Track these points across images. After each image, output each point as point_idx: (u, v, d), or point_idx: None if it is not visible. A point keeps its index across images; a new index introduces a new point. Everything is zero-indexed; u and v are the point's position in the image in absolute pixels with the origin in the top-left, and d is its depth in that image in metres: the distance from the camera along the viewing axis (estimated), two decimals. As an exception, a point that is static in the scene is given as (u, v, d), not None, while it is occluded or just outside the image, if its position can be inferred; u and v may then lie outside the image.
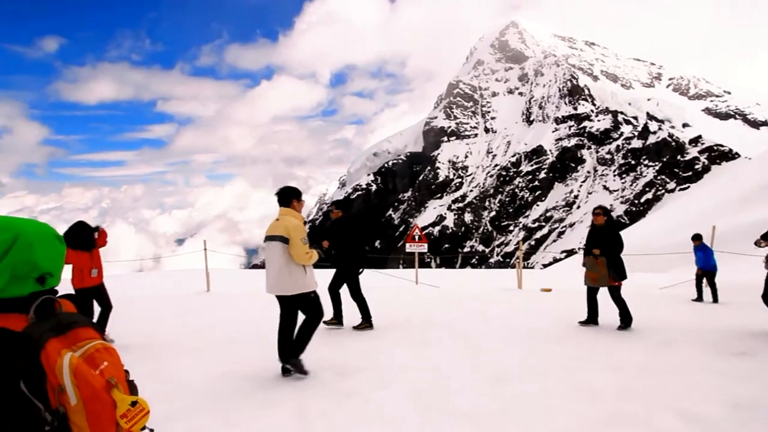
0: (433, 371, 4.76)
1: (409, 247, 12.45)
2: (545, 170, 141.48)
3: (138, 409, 1.32)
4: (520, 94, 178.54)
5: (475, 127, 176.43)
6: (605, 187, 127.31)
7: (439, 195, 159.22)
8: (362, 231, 7.00)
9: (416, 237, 12.51)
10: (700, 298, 10.16)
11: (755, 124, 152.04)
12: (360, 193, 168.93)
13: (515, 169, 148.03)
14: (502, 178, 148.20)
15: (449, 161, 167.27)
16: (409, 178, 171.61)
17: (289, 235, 4.41)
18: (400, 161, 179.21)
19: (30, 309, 1.34)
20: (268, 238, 4.56)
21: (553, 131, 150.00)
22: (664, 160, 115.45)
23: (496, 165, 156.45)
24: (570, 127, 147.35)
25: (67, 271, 5.99)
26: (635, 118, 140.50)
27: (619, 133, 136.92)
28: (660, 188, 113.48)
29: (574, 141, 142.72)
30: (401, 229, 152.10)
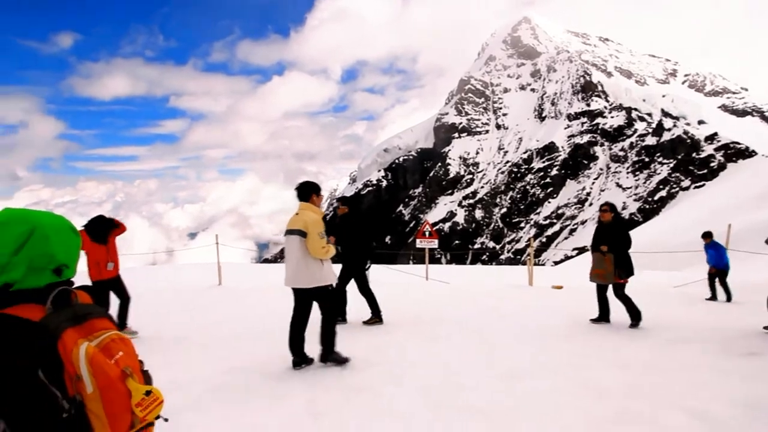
0: (444, 367, 4.78)
1: (420, 243, 12.45)
2: (557, 167, 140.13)
3: (152, 398, 1.36)
4: (533, 90, 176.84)
5: (486, 124, 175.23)
6: (618, 185, 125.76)
7: (449, 191, 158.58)
8: (368, 226, 7.02)
9: (427, 233, 12.50)
10: (713, 297, 10.04)
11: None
12: (370, 188, 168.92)
13: (527, 166, 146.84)
14: (513, 175, 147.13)
15: (460, 157, 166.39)
16: (419, 174, 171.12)
17: (307, 230, 4.47)
18: (411, 157, 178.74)
19: (47, 300, 1.36)
20: (288, 232, 4.63)
21: (566, 128, 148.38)
22: (679, 157, 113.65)
23: (507, 161, 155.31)
24: (583, 123, 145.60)
25: (84, 264, 6.13)
26: (649, 114, 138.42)
27: (632, 130, 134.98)
28: (674, 186, 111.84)
29: (586, 138, 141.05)
30: (411, 225, 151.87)
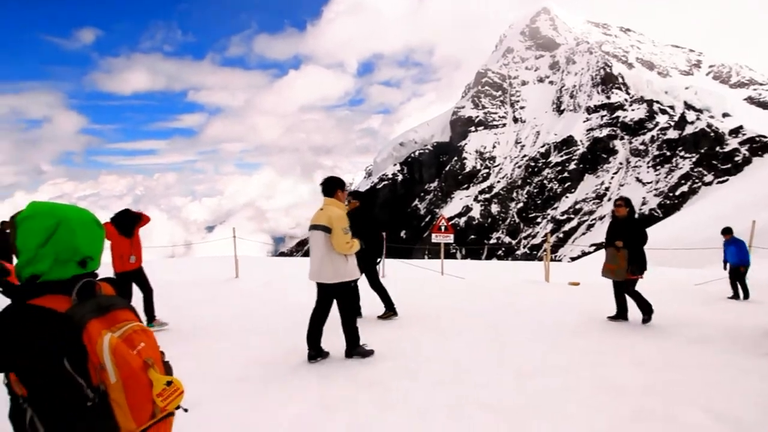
0: (458, 363, 4.78)
1: (435, 238, 12.43)
2: (575, 161, 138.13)
3: (173, 388, 1.40)
4: (551, 82, 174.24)
5: (503, 117, 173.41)
6: (638, 179, 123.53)
7: (465, 185, 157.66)
8: (379, 221, 7.04)
9: (442, 227, 12.47)
10: (736, 295, 9.83)
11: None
12: (386, 183, 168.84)
13: (544, 160, 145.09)
14: (530, 169, 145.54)
15: (476, 151, 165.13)
16: (435, 168, 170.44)
17: (331, 225, 4.51)
18: (427, 151, 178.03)
19: (72, 291, 1.41)
20: (312, 227, 4.67)
21: (585, 121, 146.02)
22: (702, 151, 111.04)
23: (524, 155, 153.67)
24: (602, 116, 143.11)
25: (108, 256, 6.29)
26: (672, 107, 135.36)
27: (654, 123, 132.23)
28: (696, 181, 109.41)
29: (606, 131, 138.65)
30: (427, 219, 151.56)
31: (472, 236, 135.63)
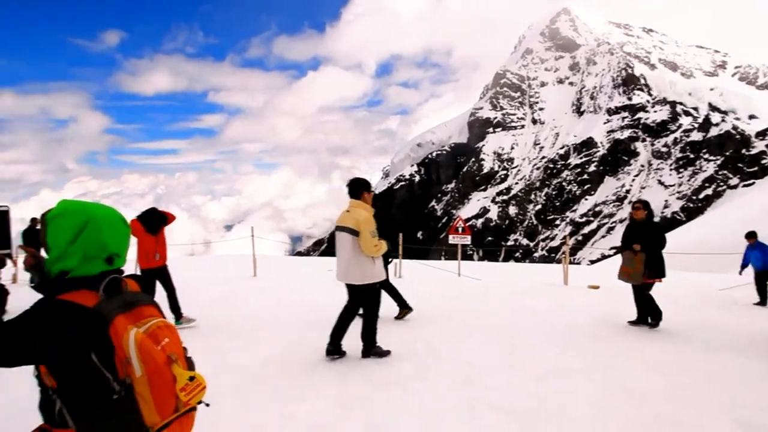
0: (473, 364, 4.76)
1: (452, 239, 12.39)
2: (595, 163, 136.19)
3: (195, 383, 1.44)
4: (571, 84, 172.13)
5: (522, 118, 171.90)
6: (660, 182, 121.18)
7: (483, 187, 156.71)
8: (393, 221, 7.06)
9: (459, 229, 12.43)
10: (763, 301, 9.57)
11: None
12: (403, 183, 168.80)
13: (563, 162, 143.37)
14: (549, 171, 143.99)
15: (494, 153, 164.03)
16: (452, 170, 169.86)
17: (359, 228, 4.54)
18: (444, 152, 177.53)
19: (99, 287, 1.46)
20: (339, 228, 4.71)
21: (605, 122, 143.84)
22: (727, 154, 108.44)
23: (543, 157, 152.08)
24: (623, 118, 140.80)
25: (133, 253, 6.44)
26: (696, 109, 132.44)
27: (677, 124, 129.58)
28: (721, 184, 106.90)
29: (627, 133, 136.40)
30: (444, 220, 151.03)
31: (489, 238, 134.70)
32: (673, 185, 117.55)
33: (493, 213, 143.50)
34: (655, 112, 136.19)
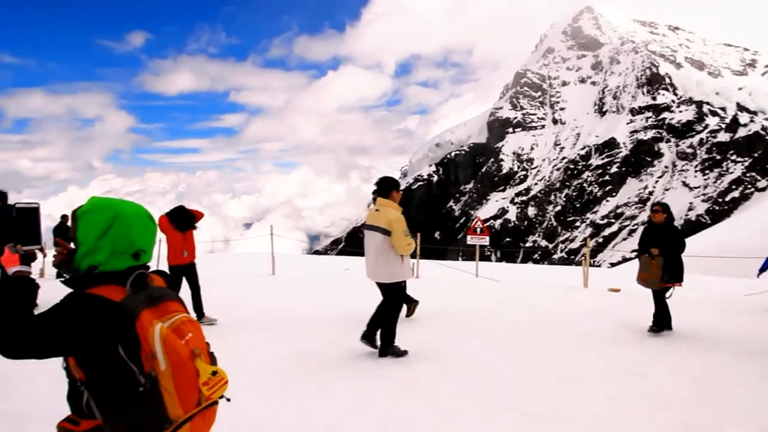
0: (490, 366, 4.74)
1: (471, 240, 12.33)
2: (617, 164, 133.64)
3: (218, 378, 1.47)
4: (593, 83, 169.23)
5: (542, 118, 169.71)
6: (685, 184, 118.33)
7: (501, 187, 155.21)
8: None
9: (478, 229, 12.36)
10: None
11: None
12: (421, 183, 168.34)
13: (584, 163, 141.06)
14: (569, 172, 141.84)
15: (514, 153, 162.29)
16: (471, 170, 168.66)
17: (391, 228, 4.60)
18: (463, 152, 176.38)
19: (126, 282, 1.50)
20: (369, 227, 4.78)
21: (628, 123, 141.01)
22: (756, 155, 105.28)
23: (563, 158, 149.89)
24: (647, 118, 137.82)
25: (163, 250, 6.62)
26: (723, 109, 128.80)
27: (703, 125, 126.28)
28: (749, 186, 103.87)
29: (651, 133, 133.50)
30: (462, 220, 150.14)
31: (508, 239, 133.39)
32: (698, 187, 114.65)
33: (512, 214, 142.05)
34: (680, 112, 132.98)
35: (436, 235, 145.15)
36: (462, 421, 3.49)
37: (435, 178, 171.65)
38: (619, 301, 8.99)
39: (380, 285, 4.89)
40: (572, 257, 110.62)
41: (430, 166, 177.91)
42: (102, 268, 1.51)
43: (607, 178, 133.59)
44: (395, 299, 4.89)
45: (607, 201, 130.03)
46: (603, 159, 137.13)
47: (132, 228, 1.56)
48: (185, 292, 6.43)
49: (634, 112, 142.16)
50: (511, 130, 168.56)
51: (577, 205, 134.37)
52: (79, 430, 1.49)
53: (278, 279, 11.24)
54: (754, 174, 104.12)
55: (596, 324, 6.83)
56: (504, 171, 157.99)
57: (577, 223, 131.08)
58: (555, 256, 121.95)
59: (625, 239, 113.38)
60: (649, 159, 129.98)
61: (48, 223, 10.34)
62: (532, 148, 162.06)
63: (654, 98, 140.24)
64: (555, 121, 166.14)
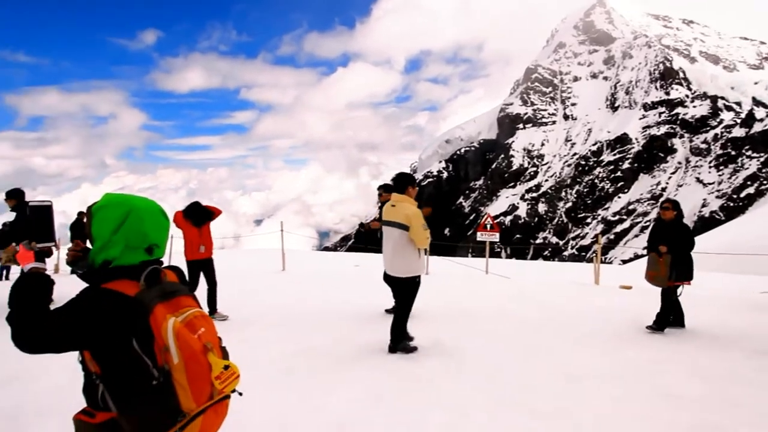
0: (499, 363, 4.72)
1: (481, 236, 12.28)
2: (629, 160, 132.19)
3: (230, 372, 1.51)
4: (605, 78, 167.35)
5: (553, 114, 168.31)
6: (698, 180, 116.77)
7: (512, 184, 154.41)
8: None
9: (488, 226, 12.31)
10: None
11: None
12: (431, 180, 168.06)
13: (596, 159, 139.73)
14: (580, 168, 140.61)
15: (524, 149, 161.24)
16: (481, 166, 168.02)
17: (410, 223, 4.68)
18: (473, 148, 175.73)
19: (140, 276, 1.54)
20: (388, 223, 4.86)
21: (641, 118, 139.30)
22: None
23: (574, 154, 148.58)
24: (660, 113, 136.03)
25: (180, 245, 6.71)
26: (738, 103, 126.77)
27: (718, 120, 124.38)
28: (764, 182, 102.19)
29: (664, 129, 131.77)
30: (471, 217, 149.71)
31: (518, 236, 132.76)
32: (713, 183, 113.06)
33: (522, 210, 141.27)
34: (694, 107, 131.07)
35: (446, 231, 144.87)
36: (470, 418, 3.49)
37: (445, 175, 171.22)
38: (631, 299, 8.91)
39: (394, 280, 4.94)
40: (583, 254, 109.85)
41: (440, 162, 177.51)
42: (116, 262, 1.54)
43: (618, 174, 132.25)
44: (408, 295, 4.92)
45: (619, 197, 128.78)
46: (615, 155, 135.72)
47: (145, 222, 1.59)
48: (203, 287, 6.53)
49: (646, 107, 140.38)
50: (521, 126, 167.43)
51: (588, 202, 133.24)
52: (94, 422, 1.52)
53: (289, 275, 11.29)
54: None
55: (607, 321, 6.77)
56: (514, 167, 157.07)
57: (588, 220, 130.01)
58: (565, 253, 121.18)
59: (636, 236, 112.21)
60: (662, 155, 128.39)
61: (62, 219, 10.51)
62: (542, 144, 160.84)
63: (667, 93, 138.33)
64: (566, 117, 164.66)
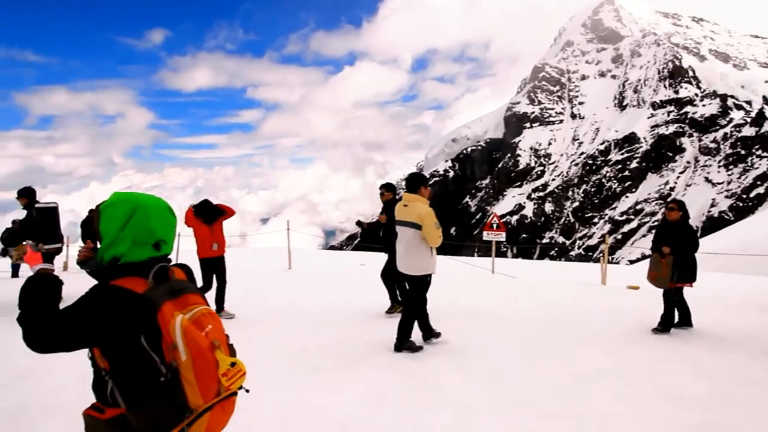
0: (505, 363, 4.72)
1: (487, 236, 12.25)
2: (637, 159, 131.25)
3: (236, 369, 1.53)
4: (613, 77, 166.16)
5: (560, 113, 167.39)
6: (707, 179, 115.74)
7: (518, 183, 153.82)
8: None
9: (494, 225, 12.28)
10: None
11: None
12: (437, 179, 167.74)
13: (603, 158, 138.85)
14: (588, 167, 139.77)
15: (531, 148, 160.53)
16: (487, 165, 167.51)
17: (423, 222, 4.74)
18: (479, 148, 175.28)
19: (148, 273, 1.56)
20: (402, 223, 4.94)
21: (649, 117, 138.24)
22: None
23: (582, 153, 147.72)
24: (669, 112, 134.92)
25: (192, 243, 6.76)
26: (748, 102, 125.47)
27: (727, 119, 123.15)
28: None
29: (672, 128, 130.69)
30: (477, 216, 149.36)
31: (524, 235, 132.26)
32: (722, 183, 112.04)
33: (529, 210, 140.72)
34: (703, 106, 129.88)
35: (452, 230, 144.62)
36: (476, 417, 3.49)
37: (451, 174, 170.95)
38: (638, 299, 8.87)
39: (406, 279, 4.99)
40: (590, 254, 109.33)
41: (446, 161, 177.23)
42: (124, 259, 1.56)
43: (626, 173, 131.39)
44: (419, 294, 4.96)
45: (627, 197, 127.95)
46: (623, 154, 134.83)
47: (151, 218, 1.62)
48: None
49: (655, 106, 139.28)
50: (528, 125, 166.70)
51: (596, 201, 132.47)
52: (103, 417, 1.54)
53: (294, 274, 11.34)
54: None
55: (613, 322, 6.75)
56: (521, 166, 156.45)
57: (595, 220, 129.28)
58: (572, 253, 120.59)
59: (644, 236, 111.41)
60: (671, 154, 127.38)
61: (71, 218, 10.61)
62: (549, 143, 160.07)
63: (676, 92, 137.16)
64: (573, 116, 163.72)
